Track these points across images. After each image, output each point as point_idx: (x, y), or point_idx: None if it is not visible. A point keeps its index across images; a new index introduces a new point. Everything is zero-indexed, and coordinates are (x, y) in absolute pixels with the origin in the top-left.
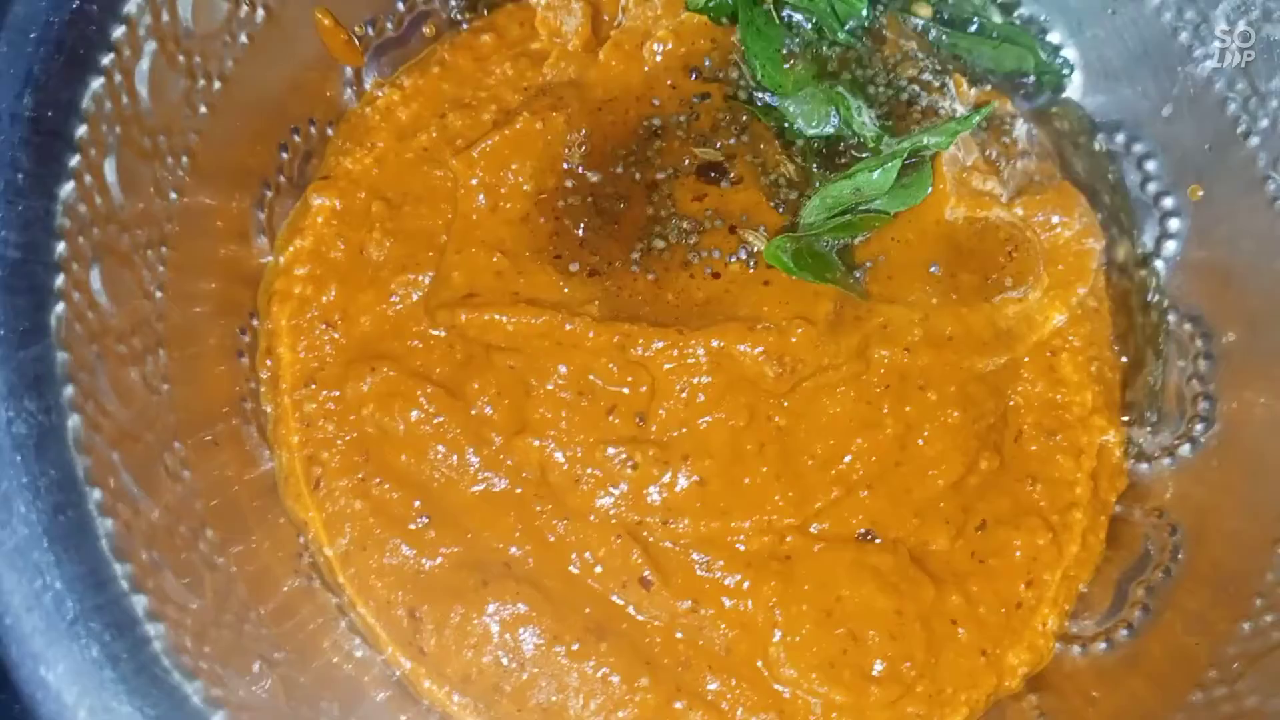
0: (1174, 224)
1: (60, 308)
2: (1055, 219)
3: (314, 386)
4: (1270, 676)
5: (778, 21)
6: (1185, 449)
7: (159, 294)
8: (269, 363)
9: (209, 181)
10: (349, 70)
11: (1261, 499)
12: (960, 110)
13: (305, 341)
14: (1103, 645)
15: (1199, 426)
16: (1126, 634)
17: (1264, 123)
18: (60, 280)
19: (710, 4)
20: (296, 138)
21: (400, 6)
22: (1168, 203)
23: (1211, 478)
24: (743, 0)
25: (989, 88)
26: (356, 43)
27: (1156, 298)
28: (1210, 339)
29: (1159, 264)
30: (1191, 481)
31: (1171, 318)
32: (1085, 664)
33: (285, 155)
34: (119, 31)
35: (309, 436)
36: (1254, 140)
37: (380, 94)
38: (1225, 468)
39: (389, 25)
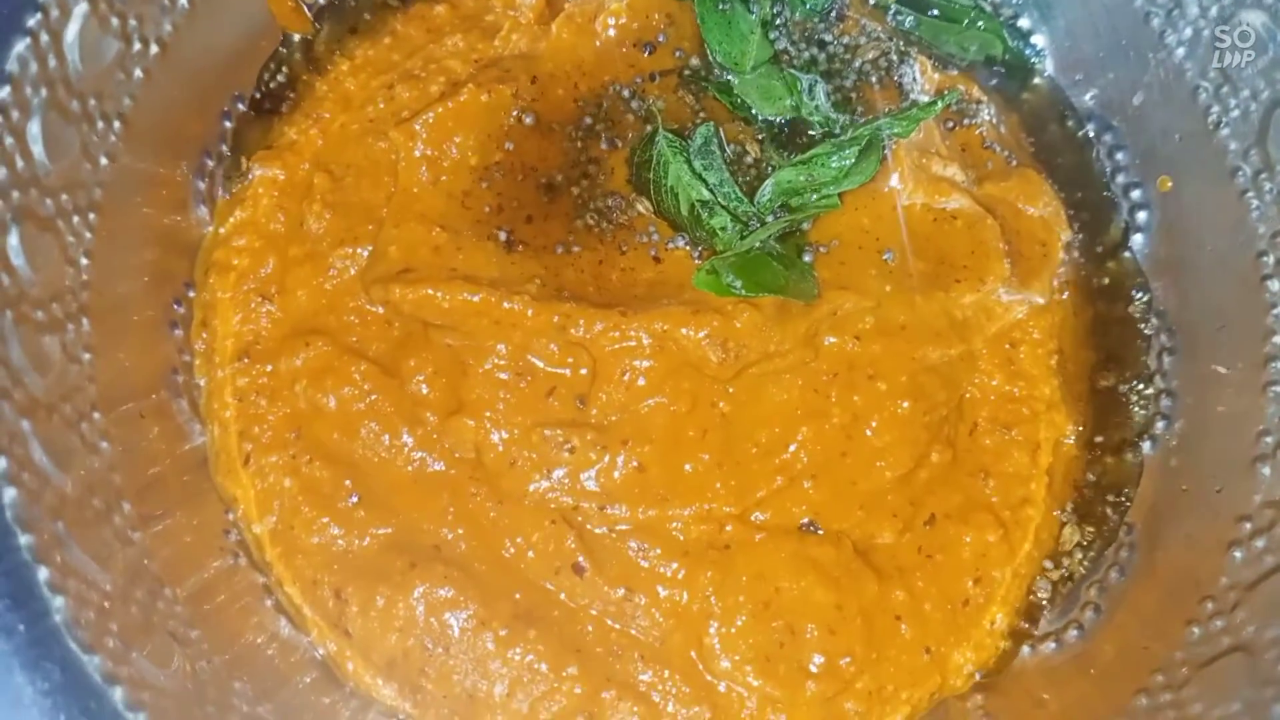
0: (1142, 216)
1: None
2: (1020, 206)
3: (248, 360)
4: (1215, 684)
5: None
6: (1145, 447)
7: (84, 260)
8: (204, 335)
9: (144, 148)
10: (296, 38)
11: (1219, 501)
12: (924, 95)
13: (241, 315)
14: (1052, 645)
15: (1160, 424)
16: (1077, 634)
17: (1235, 113)
18: None
19: None
20: (241, 105)
21: None
22: (1136, 195)
23: (1169, 477)
24: None
25: (955, 72)
26: (306, 10)
27: (1122, 291)
28: (1174, 334)
29: (1125, 256)
30: (1149, 480)
31: (1136, 312)
32: (1034, 664)
33: (228, 124)
34: None
35: (242, 411)
36: (1225, 131)
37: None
38: (1184, 467)
39: None
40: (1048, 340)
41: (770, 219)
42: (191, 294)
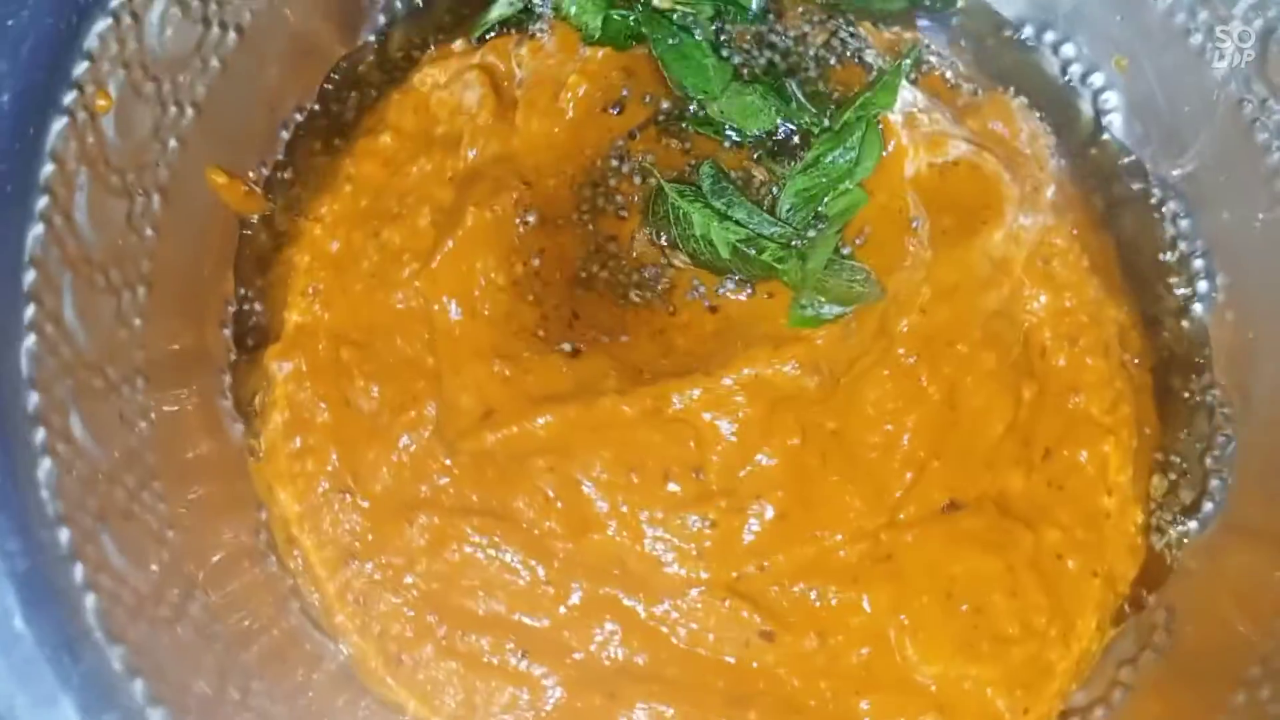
0: (1109, 98)
1: None
2: (1000, 129)
3: (356, 563)
4: None
5: (685, 25)
6: (1198, 309)
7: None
8: (296, 554)
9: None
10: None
11: None
12: (882, 59)
13: (328, 518)
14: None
15: (1202, 283)
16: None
17: None
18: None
19: (607, 34)
20: (231, 308)
21: (283, 134)
22: (1096, 79)
23: (1233, 330)
24: (646, 16)
25: (895, 27)
26: (257, 189)
27: (1113, 171)
28: (1180, 196)
29: (1105, 139)
30: (1217, 343)
31: (1135, 185)
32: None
33: (227, 332)
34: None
35: (370, 615)
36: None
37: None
38: (1240, 317)
39: (280, 155)
40: (1072, 243)
41: (812, 233)
42: (264, 515)
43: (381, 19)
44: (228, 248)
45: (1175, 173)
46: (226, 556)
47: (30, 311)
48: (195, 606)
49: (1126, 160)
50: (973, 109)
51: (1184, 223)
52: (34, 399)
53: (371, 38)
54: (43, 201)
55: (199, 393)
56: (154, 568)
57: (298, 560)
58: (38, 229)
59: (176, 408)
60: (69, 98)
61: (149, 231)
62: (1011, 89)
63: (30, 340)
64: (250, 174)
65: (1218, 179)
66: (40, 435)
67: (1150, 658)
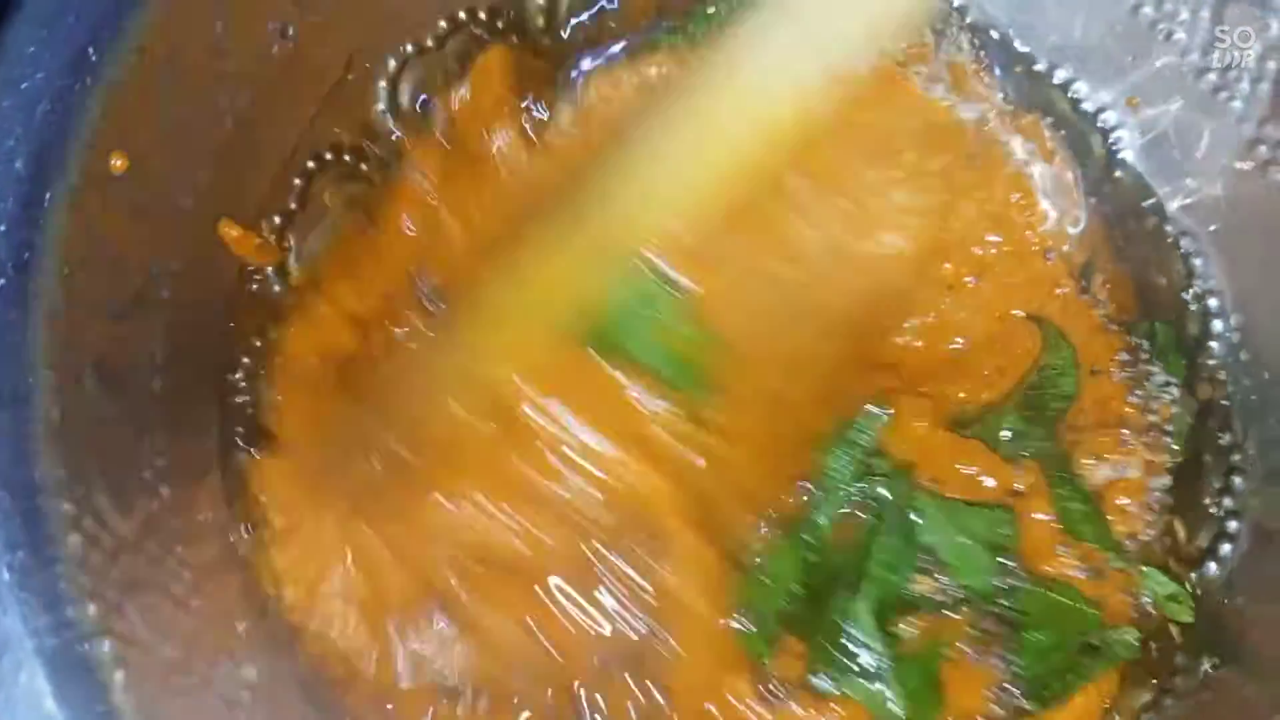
0: (1121, 136)
1: None
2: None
3: None
4: None
5: None
6: None
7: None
8: None
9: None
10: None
11: None
12: None
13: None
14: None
15: None
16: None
17: None
18: None
19: None
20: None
21: (297, 182)
22: (1109, 118)
23: None
24: None
25: None
26: (270, 240)
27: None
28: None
29: (1120, 175)
30: None
31: (1150, 223)
32: None
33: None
34: None
35: None
36: None
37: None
38: None
39: (292, 204)
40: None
41: None
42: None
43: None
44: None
45: (1188, 212)
46: (250, 624)
47: (52, 378)
48: (220, 674)
49: (1140, 198)
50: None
51: (1197, 261)
52: (60, 471)
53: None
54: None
55: (215, 456)
56: (179, 637)
57: None
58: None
59: (193, 471)
60: (85, 159)
61: (165, 291)
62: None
63: (55, 411)
64: (263, 224)
65: (1231, 219)
66: (66, 508)
67: None
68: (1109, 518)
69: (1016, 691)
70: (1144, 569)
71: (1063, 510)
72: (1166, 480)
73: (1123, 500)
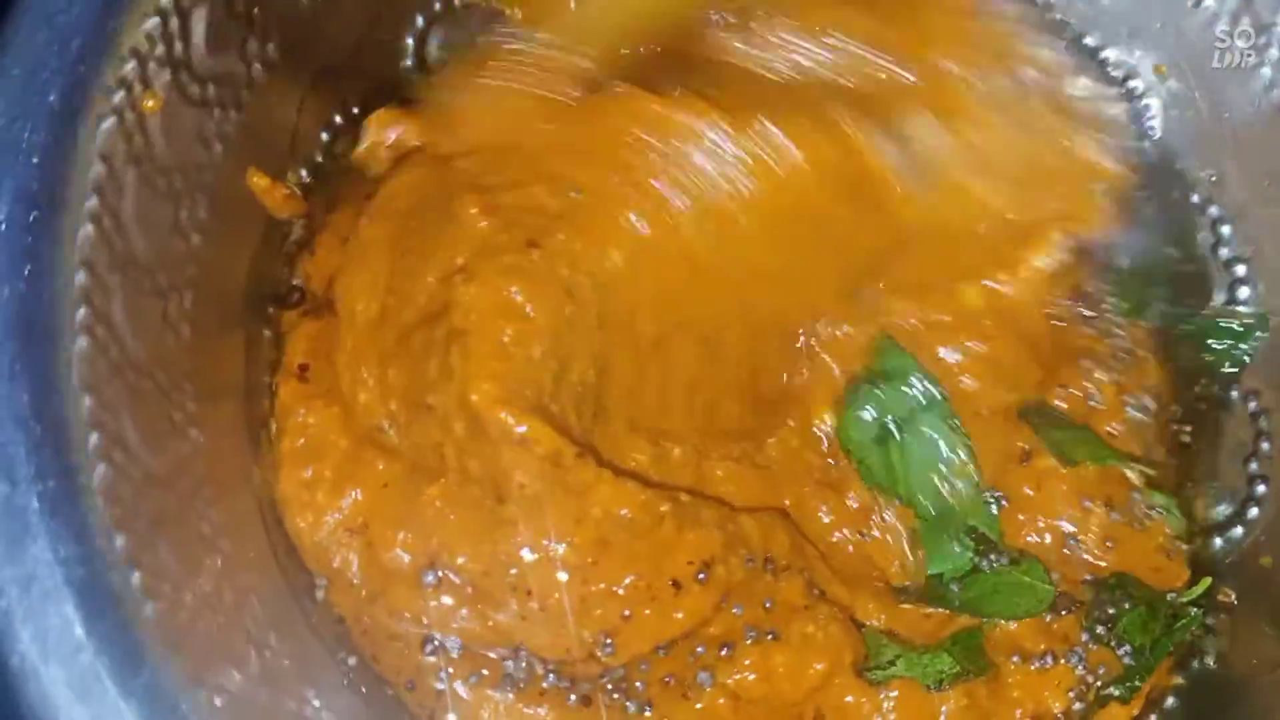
0: (1149, 104)
1: None
2: None
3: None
4: None
5: None
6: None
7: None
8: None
9: (208, 393)
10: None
11: None
12: None
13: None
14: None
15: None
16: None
17: None
18: None
19: None
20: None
21: (324, 137)
22: (1136, 85)
23: None
24: None
25: None
26: (298, 192)
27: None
28: None
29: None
30: None
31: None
32: None
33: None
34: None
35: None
36: None
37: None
38: None
39: (319, 157)
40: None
41: None
42: None
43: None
44: (274, 259)
45: (1215, 179)
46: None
47: (82, 313)
48: (246, 615)
49: (1166, 165)
50: None
51: (1225, 229)
52: (87, 402)
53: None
54: (92, 202)
55: (247, 406)
56: (208, 574)
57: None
58: (87, 229)
59: (223, 415)
60: (117, 97)
61: (196, 237)
62: None
63: (82, 342)
64: (290, 176)
65: (1260, 185)
66: (94, 439)
67: None
68: None
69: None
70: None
71: (1053, 444)
72: (1149, 401)
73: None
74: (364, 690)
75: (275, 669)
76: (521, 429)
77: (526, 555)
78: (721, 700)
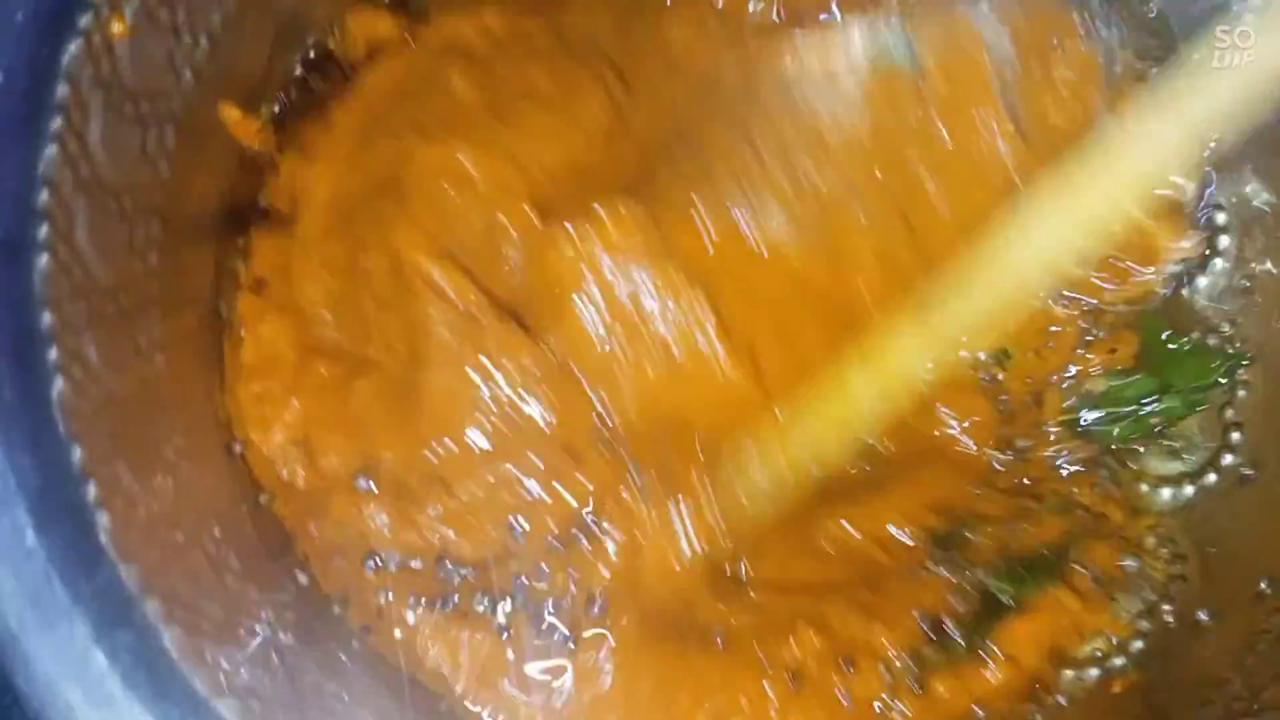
0: None
1: None
2: None
3: None
4: None
5: None
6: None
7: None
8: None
9: (175, 320)
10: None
11: None
12: None
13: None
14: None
15: None
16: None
17: None
18: None
19: None
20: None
21: (298, 71)
22: None
23: None
24: None
25: None
26: (269, 125)
27: None
28: None
29: None
30: None
31: None
32: None
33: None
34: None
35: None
36: None
37: None
38: None
39: (292, 91)
40: None
41: None
42: None
43: None
44: (241, 185)
45: None
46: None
47: (43, 230)
48: (208, 538)
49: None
50: None
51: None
52: (47, 318)
53: None
54: (56, 122)
55: (209, 328)
56: (167, 496)
57: None
58: (51, 150)
59: (189, 341)
60: (84, 19)
61: (163, 164)
62: None
63: (43, 259)
64: (263, 110)
65: None
66: (53, 354)
67: None
68: None
69: None
70: None
71: None
72: None
73: None
74: (314, 607)
75: (234, 590)
76: (444, 279)
77: (447, 444)
78: None
